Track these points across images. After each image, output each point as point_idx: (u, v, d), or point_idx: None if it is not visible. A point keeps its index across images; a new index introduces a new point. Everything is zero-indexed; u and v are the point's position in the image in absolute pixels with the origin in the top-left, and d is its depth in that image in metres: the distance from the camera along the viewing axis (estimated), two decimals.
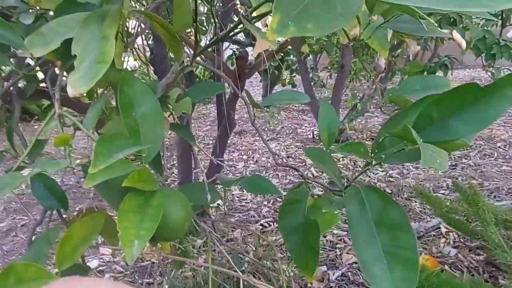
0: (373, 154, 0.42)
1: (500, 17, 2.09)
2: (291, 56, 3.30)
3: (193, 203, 0.60)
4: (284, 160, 2.57)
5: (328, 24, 0.18)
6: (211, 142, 3.14)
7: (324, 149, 0.54)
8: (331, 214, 0.59)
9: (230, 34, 0.38)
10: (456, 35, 0.61)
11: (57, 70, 0.49)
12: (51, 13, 0.50)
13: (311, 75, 3.32)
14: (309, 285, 1.42)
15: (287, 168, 2.42)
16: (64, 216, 0.50)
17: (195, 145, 0.53)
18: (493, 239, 0.96)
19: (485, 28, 2.20)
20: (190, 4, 0.32)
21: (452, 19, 1.60)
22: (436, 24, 0.62)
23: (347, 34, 0.70)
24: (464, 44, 0.63)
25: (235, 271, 0.46)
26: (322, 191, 1.86)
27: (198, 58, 0.46)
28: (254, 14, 0.40)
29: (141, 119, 0.38)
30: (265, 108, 3.68)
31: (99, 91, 0.61)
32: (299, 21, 0.17)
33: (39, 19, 0.49)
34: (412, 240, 0.36)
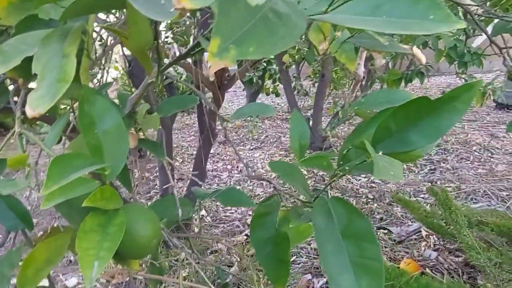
0: (338, 166, 0.43)
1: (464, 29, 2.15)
2: (274, 66, 3.33)
3: (165, 218, 0.60)
4: (260, 171, 2.57)
5: (271, 47, 0.18)
6: (195, 152, 3.13)
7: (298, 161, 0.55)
8: (306, 226, 0.59)
9: (191, 52, 0.38)
10: (416, 50, 0.63)
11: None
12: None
13: (293, 84, 3.35)
14: None
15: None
16: (30, 235, 0.49)
17: (164, 159, 0.52)
18: (467, 241, 0.98)
19: (457, 37, 2.26)
20: (147, 21, 0.32)
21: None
22: (396, 40, 0.65)
23: (316, 49, 0.71)
24: (423, 59, 0.65)
25: (209, 286, 0.46)
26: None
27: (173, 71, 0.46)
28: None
29: (104, 136, 0.37)
30: (250, 118, 3.68)
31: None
32: (241, 45, 0.17)
33: (1, 34, 0.48)
34: (377, 250, 0.37)
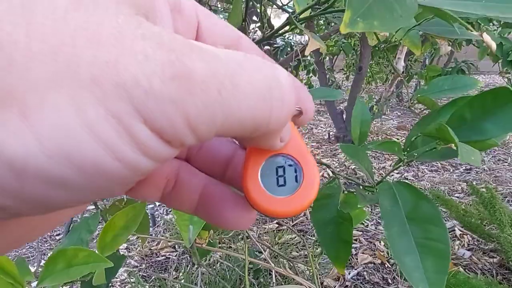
0: (405, 153, 0.45)
1: None
2: (308, 57, 3.32)
3: None
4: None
5: (393, 23, 0.21)
6: None
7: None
8: (360, 210, 0.61)
9: (278, 32, 0.41)
10: (486, 37, 0.63)
11: None
12: None
13: (328, 76, 3.33)
14: (325, 283, 1.44)
15: None
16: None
17: None
18: (509, 240, 0.97)
19: (502, 35, 2.18)
20: (242, 5, 0.35)
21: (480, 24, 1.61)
22: (469, 27, 0.64)
23: (377, 36, 0.72)
24: (494, 46, 0.65)
25: (268, 263, 0.49)
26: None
27: None
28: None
29: None
30: None
31: None
32: (367, 19, 0.19)
33: None
34: (443, 233, 0.39)
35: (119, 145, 0.09)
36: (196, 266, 1.64)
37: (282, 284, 1.18)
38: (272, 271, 1.56)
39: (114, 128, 0.09)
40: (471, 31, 0.51)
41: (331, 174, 2.33)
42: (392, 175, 2.33)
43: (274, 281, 0.69)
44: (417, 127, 0.44)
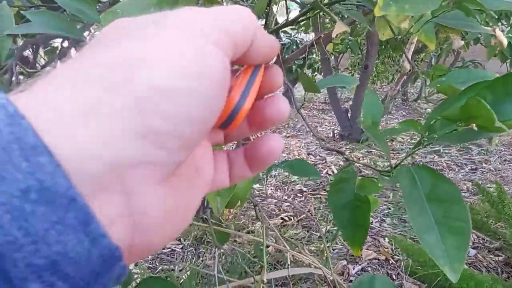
0: (423, 136, 0.46)
1: None
2: (314, 55, 3.33)
3: None
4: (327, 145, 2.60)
5: (422, 6, 0.22)
6: None
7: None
8: (373, 198, 0.62)
9: (298, 20, 0.42)
10: (498, 32, 0.64)
11: None
12: None
13: (333, 74, 3.34)
14: (330, 278, 1.45)
15: None
16: None
17: None
18: None
19: (510, 35, 2.19)
20: None
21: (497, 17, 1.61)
22: (482, 22, 0.65)
23: (391, 28, 0.73)
24: (505, 41, 0.66)
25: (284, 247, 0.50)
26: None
27: None
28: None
29: None
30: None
31: None
32: (398, 2, 0.20)
33: None
34: (464, 211, 0.39)
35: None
36: (206, 258, 1.65)
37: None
38: (277, 266, 1.58)
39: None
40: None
41: (335, 171, 2.34)
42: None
43: (288, 264, 0.70)
44: (436, 111, 0.45)
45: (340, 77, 0.56)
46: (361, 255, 1.53)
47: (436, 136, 0.43)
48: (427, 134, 0.45)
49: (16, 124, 0.11)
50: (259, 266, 1.51)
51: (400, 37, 0.62)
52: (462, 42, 1.42)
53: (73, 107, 0.12)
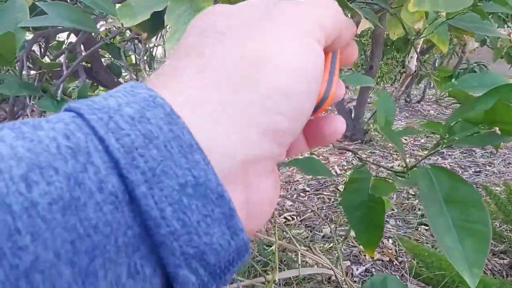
0: (442, 138, 0.45)
1: None
2: None
3: None
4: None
5: (456, 3, 0.21)
6: None
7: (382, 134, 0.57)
8: (385, 199, 0.62)
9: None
10: None
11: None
12: None
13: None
14: (332, 278, 1.45)
15: None
16: None
17: None
18: None
19: None
20: None
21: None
22: (495, 25, 0.64)
23: (405, 28, 0.72)
24: None
25: (303, 244, 0.49)
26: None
27: None
28: None
29: None
30: None
31: None
32: None
33: None
34: (484, 214, 0.39)
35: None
36: None
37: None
38: (281, 265, 1.57)
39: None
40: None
41: (338, 171, 2.33)
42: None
43: (299, 263, 0.69)
44: (457, 113, 0.44)
45: (358, 76, 0.55)
46: (373, 257, 1.53)
47: (457, 138, 0.42)
48: (447, 136, 0.44)
49: (174, 123, 0.13)
50: (261, 265, 1.51)
51: (412, 38, 0.61)
52: (476, 44, 1.42)
53: (209, 107, 0.14)
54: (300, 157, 0.67)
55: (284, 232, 1.82)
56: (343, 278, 0.51)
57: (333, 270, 0.56)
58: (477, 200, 0.40)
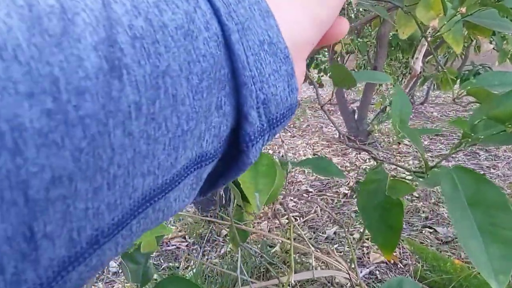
0: (464, 137, 0.43)
1: None
2: (320, 55, 3.30)
3: None
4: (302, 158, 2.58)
5: None
6: None
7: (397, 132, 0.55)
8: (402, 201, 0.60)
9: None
10: None
11: None
12: None
13: None
14: (336, 280, 1.43)
15: None
16: None
17: None
18: None
19: None
20: None
21: None
22: None
23: (420, 27, 0.70)
24: None
25: (312, 245, 0.48)
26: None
27: None
28: None
29: None
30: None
31: None
32: None
33: None
34: (510, 219, 0.37)
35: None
36: (211, 256, 1.63)
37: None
38: (283, 267, 1.55)
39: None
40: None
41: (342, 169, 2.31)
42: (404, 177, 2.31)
43: (313, 265, 0.68)
44: (480, 111, 0.43)
45: (374, 73, 0.53)
46: (391, 260, 1.51)
47: (482, 136, 0.40)
48: (469, 134, 0.43)
49: None
50: (264, 267, 1.49)
51: (423, 36, 0.59)
52: (492, 46, 1.40)
53: None
54: (311, 157, 0.65)
55: (287, 234, 1.80)
56: (358, 281, 0.49)
57: (348, 273, 0.55)
58: (504, 203, 0.38)
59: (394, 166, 2.38)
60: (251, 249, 1.58)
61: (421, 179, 0.47)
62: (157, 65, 0.12)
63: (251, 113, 0.15)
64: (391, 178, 0.50)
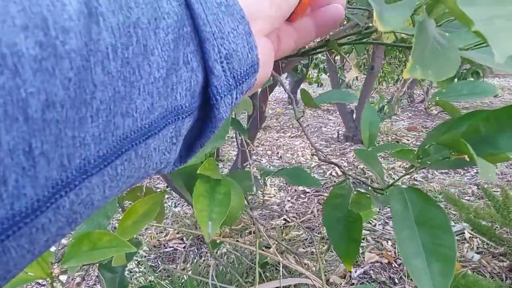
0: (418, 159, 0.46)
1: None
2: (319, 55, 3.31)
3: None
4: (300, 159, 2.61)
5: (443, 72, 0.22)
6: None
7: (367, 149, 0.58)
8: (367, 211, 0.63)
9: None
10: None
11: None
12: None
13: (338, 75, 3.32)
14: (331, 280, 1.46)
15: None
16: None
17: (245, 136, 0.57)
18: None
19: None
20: None
21: None
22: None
23: (395, 34, 0.72)
24: None
25: (276, 255, 0.51)
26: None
27: None
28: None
29: None
30: (290, 106, 3.68)
31: None
32: (424, 67, 0.21)
33: None
34: (451, 240, 0.40)
35: None
36: (208, 257, 1.67)
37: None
38: (278, 267, 1.58)
39: None
40: None
41: (339, 173, 2.33)
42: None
43: (280, 274, 0.71)
44: (432, 135, 0.45)
45: (340, 92, 0.56)
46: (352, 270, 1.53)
47: (429, 162, 0.43)
48: (420, 159, 0.45)
49: None
50: (260, 264, 1.52)
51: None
52: None
53: None
54: (288, 167, 0.68)
55: (283, 234, 1.83)
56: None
57: (316, 281, 0.57)
58: (445, 224, 0.41)
59: (392, 166, 2.40)
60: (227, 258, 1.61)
61: (380, 196, 0.50)
62: (128, 16, 0.14)
63: (215, 66, 0.17)
64: (355, 193, 0.52)
